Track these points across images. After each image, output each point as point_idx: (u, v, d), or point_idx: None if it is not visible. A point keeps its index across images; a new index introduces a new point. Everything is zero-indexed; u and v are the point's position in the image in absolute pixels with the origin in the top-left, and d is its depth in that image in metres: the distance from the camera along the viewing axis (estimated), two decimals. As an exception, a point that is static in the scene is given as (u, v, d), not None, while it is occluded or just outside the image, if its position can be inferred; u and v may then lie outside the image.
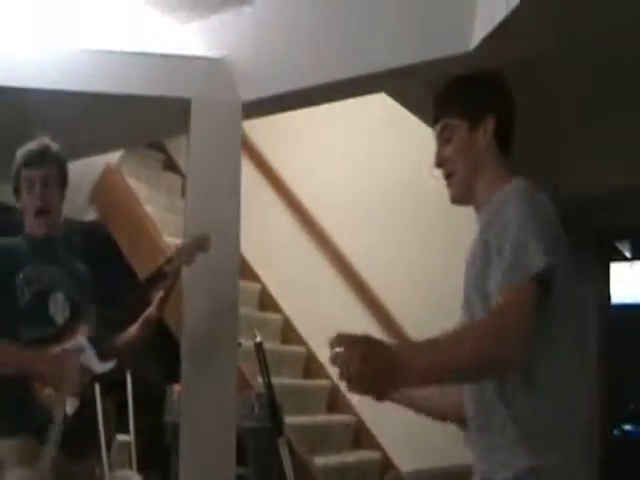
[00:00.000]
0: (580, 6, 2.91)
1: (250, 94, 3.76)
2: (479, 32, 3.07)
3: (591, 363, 5.79)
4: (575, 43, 3.36)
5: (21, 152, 3.14)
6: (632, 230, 6.86)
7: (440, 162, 2.13)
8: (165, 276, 3.31)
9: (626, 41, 3.47)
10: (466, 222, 2.28)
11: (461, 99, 2.13)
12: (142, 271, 5.05)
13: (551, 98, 4.60)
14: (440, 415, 2.16)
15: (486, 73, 2.20)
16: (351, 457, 5.40)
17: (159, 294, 3.33)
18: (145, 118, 4.16)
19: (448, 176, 2.12)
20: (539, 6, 2.84)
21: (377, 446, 5.42)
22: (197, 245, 3.37)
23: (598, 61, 4.05)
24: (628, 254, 8.18)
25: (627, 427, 7.47)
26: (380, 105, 4.66)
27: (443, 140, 2.12)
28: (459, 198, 2.12)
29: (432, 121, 2.17)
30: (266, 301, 6.11)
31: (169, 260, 3.31)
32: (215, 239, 3.71)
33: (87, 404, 2.91)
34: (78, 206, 5.67)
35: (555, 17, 2.99)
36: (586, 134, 5.06)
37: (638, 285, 8.10)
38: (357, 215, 5.71)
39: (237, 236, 3.85)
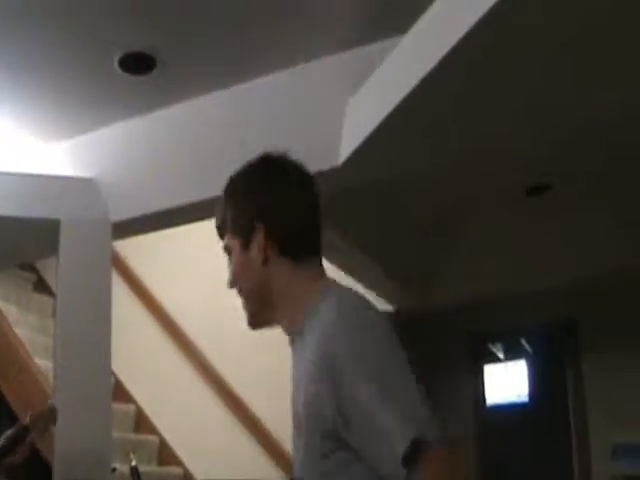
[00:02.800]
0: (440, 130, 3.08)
1: (119, 214, 3.77)
2: (346, 149, 3.19)
3: (470, 462, 5.86)
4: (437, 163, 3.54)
5: None
6: (503, 332, 7.07)
7: (230, 283, 1.79)
8: (24, 439, 3.28)
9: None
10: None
11: (229, 213, 1.78)
12: (12, 396, 4.86)
13: (426, 211, 4.78)
14: None
15: (249, 167, 1.82)
16: None
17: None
18: (13, 239, 4.07)
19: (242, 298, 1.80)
20: (399, 128, 2.99)
21: None
22: (50, 417, 3.36)
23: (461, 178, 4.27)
24: (501, 355, 8.39)
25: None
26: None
27: (230, 259, 1.79)
28: (254, 322, 1.78)
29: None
30: (141, 422, 5.95)
31: (25, 428, 3.27)
32: (86, 359, 3.64)
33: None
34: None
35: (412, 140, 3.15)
36: (458, 245, 5.27)
37: (512, 385, 8.29)
38: (225, 330, 5.67)
39: (108, 356, 3.78)
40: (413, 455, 1.39)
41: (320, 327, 1.57)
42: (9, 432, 3.25)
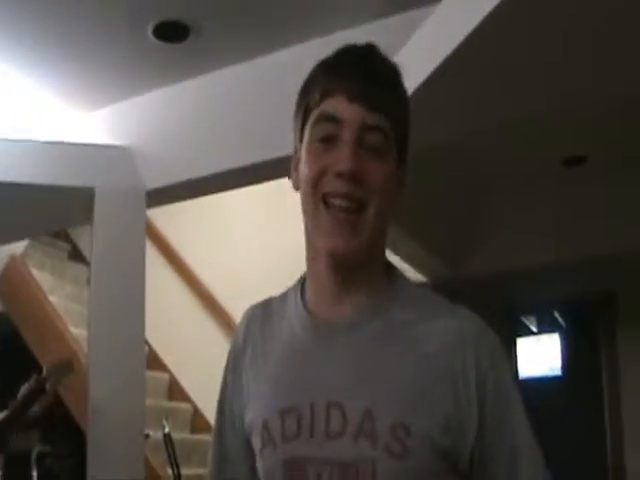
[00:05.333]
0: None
1: (154, 182, 3.78)
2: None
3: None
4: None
5: None
6: (537, 305, 7.03)
7: (361, 176, 1.19)
8: (43, 392, 3.44)
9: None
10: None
11: (406, 126, 1.30)
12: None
13: (461, 182, 4.75)
14: None
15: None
16: None
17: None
18: (48, 207, 4.10)
19: (357, 204, 1.21)
20: (432, 100, 2.96)
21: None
22: (66, 367, 3.54)
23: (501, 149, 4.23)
24: (534, 329, 8.36)
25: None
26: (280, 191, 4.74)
27: (371, 147, 1.21)
28: (354, 252, 1.22)
29: (363, 100, 1.24)
30: (175, 390, 6.01)
31: (43, 380, 3.44)
32: (120, 328, 3.67)
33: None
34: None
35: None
36: (493, 215, 5.23)
37: (545, 358, 8.26)
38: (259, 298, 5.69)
39: (142, 324, 3.80)
40: None
41: (449, 329, 1.23)
42: (25, 385, 3.37)
